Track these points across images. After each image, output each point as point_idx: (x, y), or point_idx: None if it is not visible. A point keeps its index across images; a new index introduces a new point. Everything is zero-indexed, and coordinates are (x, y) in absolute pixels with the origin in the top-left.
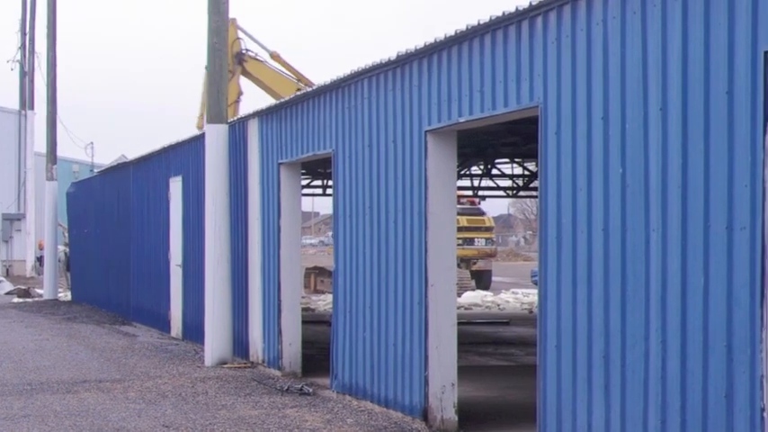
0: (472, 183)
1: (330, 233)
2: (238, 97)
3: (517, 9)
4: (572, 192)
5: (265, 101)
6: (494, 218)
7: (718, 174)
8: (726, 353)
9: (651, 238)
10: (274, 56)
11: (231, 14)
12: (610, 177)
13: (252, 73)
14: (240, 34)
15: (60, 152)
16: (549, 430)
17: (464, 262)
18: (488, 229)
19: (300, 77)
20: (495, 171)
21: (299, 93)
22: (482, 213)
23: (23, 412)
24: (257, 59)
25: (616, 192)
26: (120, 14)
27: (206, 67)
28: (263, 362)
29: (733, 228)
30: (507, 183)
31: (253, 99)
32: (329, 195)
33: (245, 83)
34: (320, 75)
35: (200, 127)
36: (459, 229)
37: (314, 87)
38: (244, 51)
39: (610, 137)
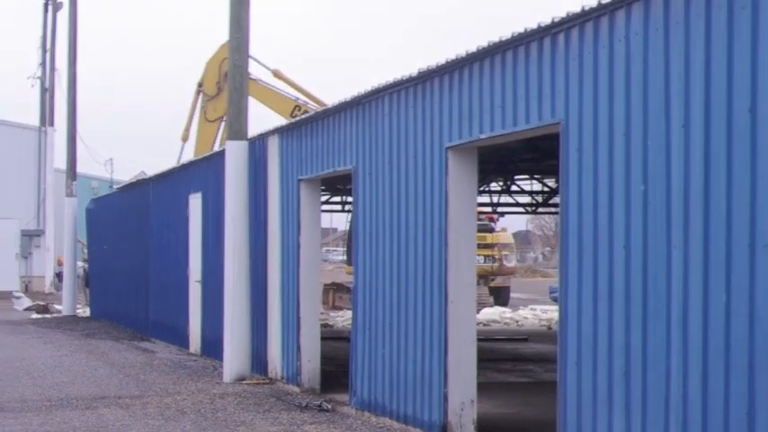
0: (491, 199)
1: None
2: (224, 116)
3: (539, 26)
4: (593, 208)
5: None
6: (512, 234)
7: (741, 191)
8: (747, 371)
9: (673, 255)
10: (276, 73)
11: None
12: (631, 194)
13: (252, 95)
14: (256, 65)
15: (80, 168)
16: None
17: (482, 278)
18: (488, 246)
19: (303, 92)
20: (514, 187)
21: (319, 109)
22: (488, 230)
23: (43, 428)
24: (253, 79)
25: (638, 209)
26: (139, 31)
27: (198, 83)
28: (282, 378)
29: (755, 245)
30: (526, 199)
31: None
32: (348, 211)
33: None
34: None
35: (184, 139)
36: None
37: (334, 104)
38: None
39: (632, 154)
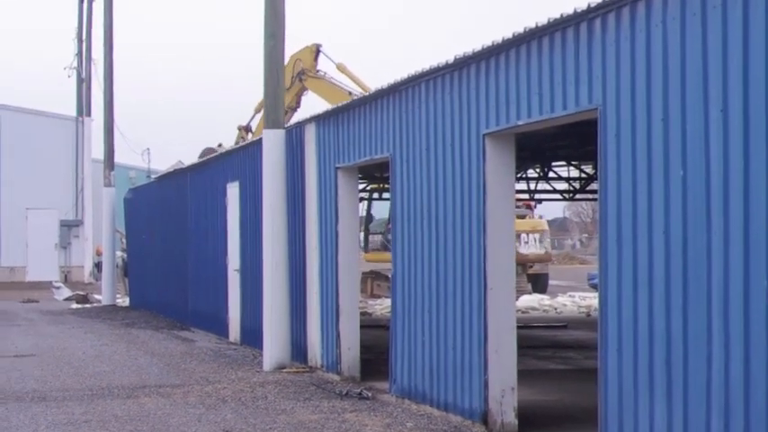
0: (528, 186)
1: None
2: (287, 108)
3: (575, 11)
4: (632, 194)
5: None
6: (549, 221)
7: None
8: None
9: (713, 240)
10: (340, 67)
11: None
12: (670, 180)
13: (310, 88)
14: (321, 57)
15: (117, 158)
16: None
17: (520, 266)
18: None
19: (363, 87)
20: (551, 174)
21: (357, 96)
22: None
23: (85, 417)
24: (316, 77)
25: (677, 194)
26: (175, 22)
27: (238, 128)
28: (322, 366)
29: None
30: (563, 186)
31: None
32: (363, 199)
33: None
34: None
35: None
36: None
37: (371, 91)
38: (306, 71)
39: (670, 139)
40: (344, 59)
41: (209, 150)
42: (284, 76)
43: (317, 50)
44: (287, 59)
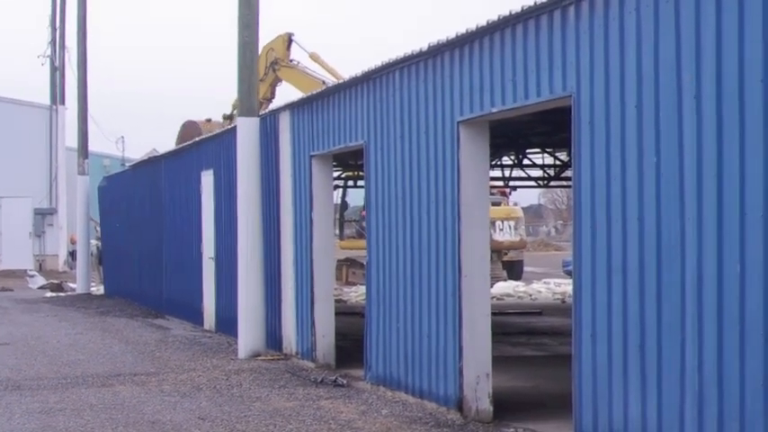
0: (503, 173)
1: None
2: (262, 99)
3: None
4: (606, 181)
5: None
6: (524, 208)
7: (754, 162)
8: (763, 342)
9: (686, 226)
10: (313, 56)
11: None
12: (644, 167)
13: (283, 78)
14: (294, 47)
15: (91, 147)
16: (584, 420)
17: (495, 252)
18: None
19: (336, 76)
20: (526, 161)
21: (330, 85)
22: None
23: (59, 406)
24: (289, 66)
25: (650, 181)
26: (150, 8)
27: (223, 117)
28: (297, 354)
29: None
30: (538, 173)
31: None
32: (339, 187)
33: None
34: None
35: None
36: None
37: (346, 79)
38: (278, 61)
39: (643, 126)
40: (316, 48)
41: (190, 123)
42: (258, 66)
43: (289, 40)
44: (260, 50)
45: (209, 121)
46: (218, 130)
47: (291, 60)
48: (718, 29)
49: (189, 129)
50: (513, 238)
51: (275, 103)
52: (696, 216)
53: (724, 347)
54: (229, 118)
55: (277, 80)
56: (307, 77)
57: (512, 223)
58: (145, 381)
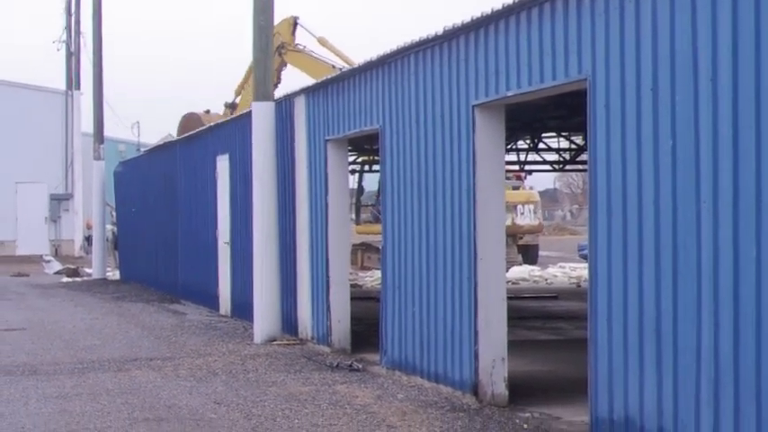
0: (518, 157)
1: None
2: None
3: None
4: (622, 164)
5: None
6: (539, 192)
7: None
8: None
9: (702, 210)
10: (321, 41)
11: (293, 12)
12: (660, 150)
13: (290, 62)
14: (300, 30)
15: (107, 132)
16: (600, 404)
17: (510, 237)
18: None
19: (346, 60)
20: (541, 145)
21: (345, 69)
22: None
23: (76, 390)
24: (296, 50)
25: (666, 164)
26: None
27: (225, 105)
28: (312, 338)
29: None
30: (554, 157)
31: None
32: (355, 171)
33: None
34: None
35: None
36: None
37: (361, 64)
38: (285, 45)
39: (659, 109)
40: (324, 33)
41: (190, 115)
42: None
43: (294, 23)
44: None
45: (207, 112)
46: (219, 121)
47: (298, 45)
48: (734, 10)
49: (189, 120)
50: (533, 221)
51: (282, 89)
52: (712, 200)
53: (740, 332)
54: (231, 106)
55: (282, 65)
56: (315, 62)
57: (531, 207)
58: (161, 365)
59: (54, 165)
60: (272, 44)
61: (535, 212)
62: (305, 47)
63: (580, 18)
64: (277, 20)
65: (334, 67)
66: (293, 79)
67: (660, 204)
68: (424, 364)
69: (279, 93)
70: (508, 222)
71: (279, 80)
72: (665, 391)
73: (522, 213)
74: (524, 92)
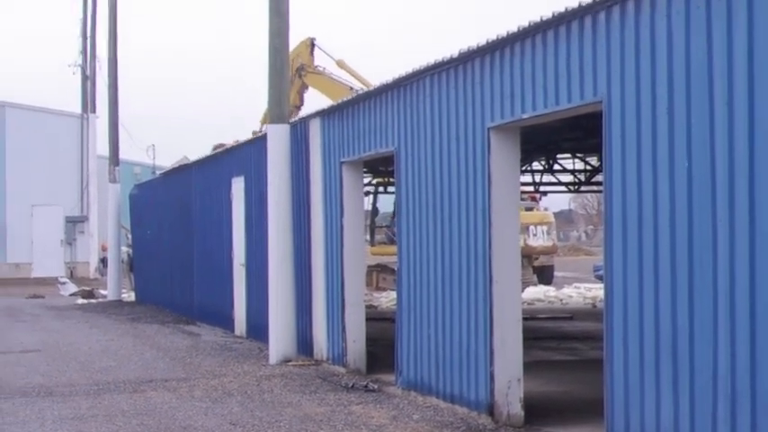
0: (533, 178)
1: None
2: (291, 107)
3: (580, 5)
4: (637, 186)
5: None
6: (554, 213)
7: None
8: None
9: (718, 230)
10: (340, 63)
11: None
12: (675, 171)
13: (310, 84)
14: (317, 52)
15: (122, 155)
16: (616, 425)
17: (525, 257)
18: None
19: (364, 83)
20: (556, 167)
21: (361, 92)
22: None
23: (91, 412)
24: (315, 72)
25: (682, 185)
26: (181, 20)
27: (253, 134)
28: (328, 359)
29: None
30: (569, 178)
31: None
32: (369, 193)
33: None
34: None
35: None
36: None
37: (376, 86)
38: (305, 67)
39: (675, 131)
40: (343, 56)
41: (219, 146)
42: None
43: (311, 44)
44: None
45: (236, 143)
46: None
47: (317, 66)
48: (750, 34)
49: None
50: (546, 242)
51: (304, 110)
52: (728, 220)
53: (756, 350)
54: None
55: (304, 87)
56: (334, 83)
57: (544, 228)
58: (176, 387)
59: (70, 187)
60: (292, 66)
61: (548, 233)
62: (324, 68)
63: (595, 41)
64: (294, 42)
65: (351, 88)
66: (316, 101)
67: (676, 225)
68: (439, 384)
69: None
70: (521, 243)
71: (302, 102)
72: (681, 410)
73: (535, 234)
74: (540, 114)
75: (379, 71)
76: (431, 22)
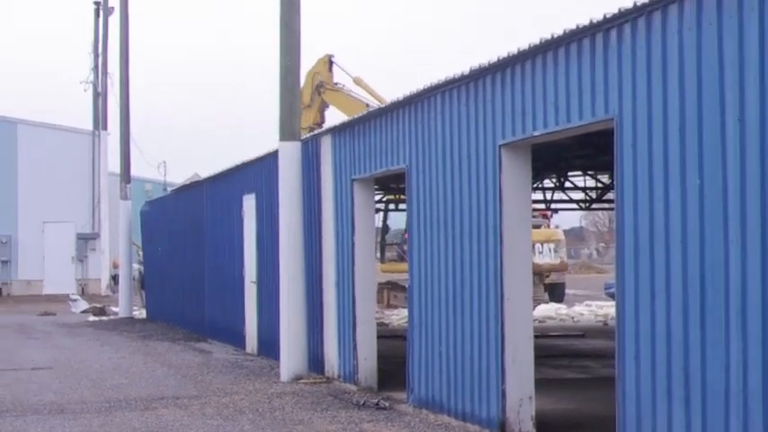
0: (544, 196)
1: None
2: (313, 125)
3: (591, 22)
4: (649, 204)
5: None
6: (565, 231)
7: None
8: None
9: (730, 249)
10: (357, 80)
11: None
12: (687, 189)
13: (329, 101)
14: (338, 71)
15: (133, 172)
16: None
17: (537, 275)
18: None
19: (380, 100)
20: (567, 184)
21: (371, 109)
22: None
23: (103, 429)
24: (334, 89)
25: (694, 203)
26: (191, 34)
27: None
28: (339, 377)
29: None
30: (580, 195)
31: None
32: (380, 210)
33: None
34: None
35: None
36: None
37: (387, 103)
38: (324, 84)
39: (687, 148)
40: (358, 72)
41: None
42: (303, 91)
43: (329, 61)
44: (304, 76)
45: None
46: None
47: (336, 84)
48: (762, 51)
49: None
50: (554, 260)
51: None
52: (740, 238)
53: None
54: None
55: (324, 104)
56: (352, 101)
57: (551, 246)
58: (187, 404)
59: (81, 204)
60: (312, 84)
61: (556, 251)
62: (343, 86)
63: (606, 58)
64: (313, 60)
65: (367, 106)
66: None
67: (688, 243)
68: (451, 402)
69: None
70: None
71: (323, 120)
72: (693, 428)
73: (542, 252)
74: (551, 132)
75: (377, 69)
76: (431, 21)
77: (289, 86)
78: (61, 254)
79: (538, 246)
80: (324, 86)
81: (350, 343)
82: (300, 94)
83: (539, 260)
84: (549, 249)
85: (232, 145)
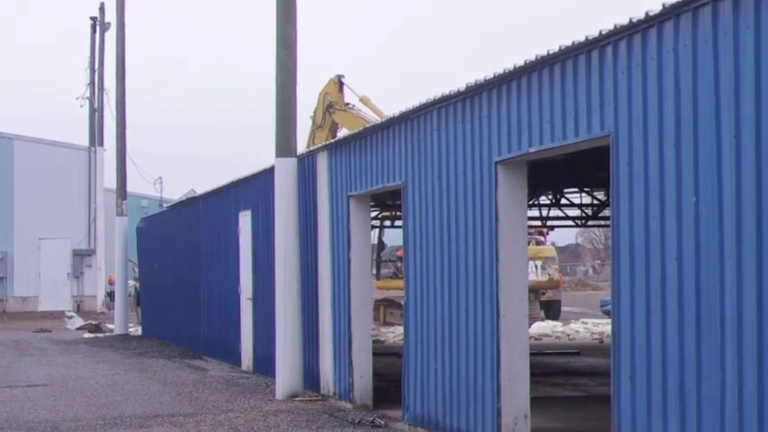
0: (540, 213)
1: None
2: None
3: (587, 39)
4: (644, 221)
5: None
6: (561, 248)
7: None
8: None
9: (726, 266)
10: (363, 99)
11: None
12: (683, 206)
13: (338, 122)
14: (346, 90)
15: (129, 188)
16: None
17: (532, 292)
18: None
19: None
20: (563, 200)
21: (367, 125)
22: None
23: None
24: (343, 109)
25: (689, 220)
26: (188, 50)
27: (312, 113)
28: (334, 394)
29: None
30: (576, 212)
31: None
32: (375, 227)
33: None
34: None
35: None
36: None
37: (383, 120)
38: (334, 104)
39: (682, 165)
40: (366, 90)
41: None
42: (316, 112)
43: (339, 82)
44: (315, 97)
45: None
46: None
47: (347, 104)
48: (757, 69)
49: None
50: (540, 277)
51: None
52: (736, 256)
53: (764, 388)
54: None
55: (335, 125)
56: (358, 120)
57: (539, 263)
58: (183, 422)
59: (77, 220)
60: (323, 104)
61: (544, 268)
62: (353, 106)
63: (602, 75)
64: (320, 79)
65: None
66: None
67: (683, 260)
68: (446, 420)
69: None
70: None
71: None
72: None
73: (529, 270)
74: (547, 148)
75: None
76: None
77: (284, 102)
78: (57, 270)
79: None
80: (333, 107)
81: (345, 360)
82: (314, 114)
83: None
84: (536, 266)
85: (228, 163)
